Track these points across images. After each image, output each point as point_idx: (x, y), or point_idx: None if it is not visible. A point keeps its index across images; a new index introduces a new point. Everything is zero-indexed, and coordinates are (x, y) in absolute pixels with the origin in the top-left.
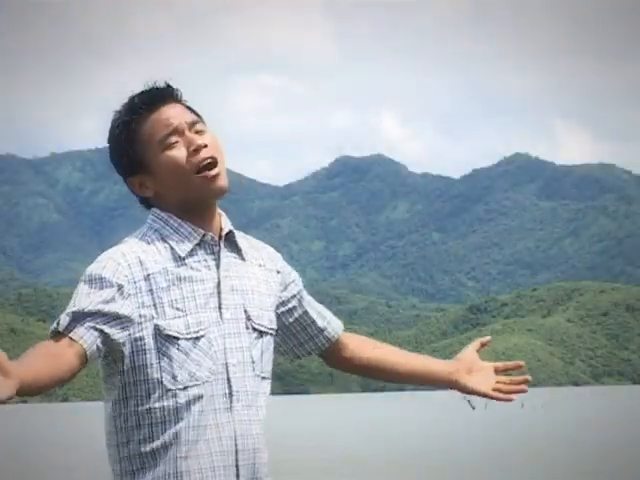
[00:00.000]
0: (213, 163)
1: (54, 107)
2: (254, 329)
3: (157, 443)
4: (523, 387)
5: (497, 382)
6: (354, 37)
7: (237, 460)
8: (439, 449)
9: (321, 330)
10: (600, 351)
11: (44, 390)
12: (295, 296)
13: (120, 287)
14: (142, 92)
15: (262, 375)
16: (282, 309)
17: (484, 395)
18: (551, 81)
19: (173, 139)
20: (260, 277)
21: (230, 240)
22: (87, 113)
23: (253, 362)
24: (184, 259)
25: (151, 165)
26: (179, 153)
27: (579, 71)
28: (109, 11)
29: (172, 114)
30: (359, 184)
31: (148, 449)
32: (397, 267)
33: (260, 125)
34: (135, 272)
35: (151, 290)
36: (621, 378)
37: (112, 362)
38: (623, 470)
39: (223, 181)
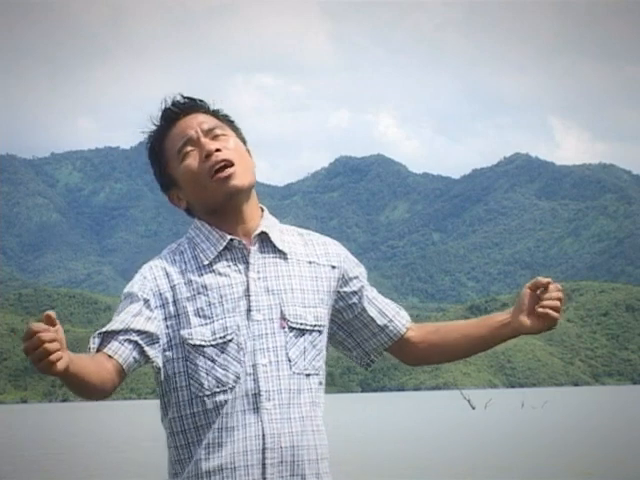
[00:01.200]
0: (227, 165)
1: (54, 107)
2: (291, 328)
3: (190, 448)
4: (556, 303)
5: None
6: (353, 37)
7: (264, 459)
8: (439, 449)
9: (382, 328)
10: (600, 351)
11: (86, 389)
12: (357, 292)
13: (146, 301)
14: (164, 110)
15: (306, 372)
16: (341, 304)
17: (547, 328)
18: (550, 81)
19: (188, 148)
20: (307, 274)
21: (267, 240)
22: (87, 113)
23: (289, 361)
24: (211, 265)
25: (176, 178)
26: (193, 161)
27: (578, 71)
28: (109, 11)
29: (189, 124)
30: (359, 184)
31: (183, 455)
32: (397, 267)
33: (260, 125)
34: (161, 284)
35: (176, 300)
36: (621, 378)
37: (155, 373)
38: (623, 470)
39: (238, 180)
